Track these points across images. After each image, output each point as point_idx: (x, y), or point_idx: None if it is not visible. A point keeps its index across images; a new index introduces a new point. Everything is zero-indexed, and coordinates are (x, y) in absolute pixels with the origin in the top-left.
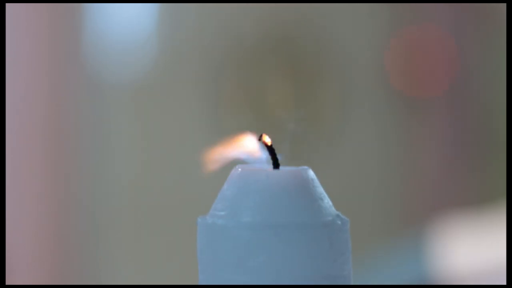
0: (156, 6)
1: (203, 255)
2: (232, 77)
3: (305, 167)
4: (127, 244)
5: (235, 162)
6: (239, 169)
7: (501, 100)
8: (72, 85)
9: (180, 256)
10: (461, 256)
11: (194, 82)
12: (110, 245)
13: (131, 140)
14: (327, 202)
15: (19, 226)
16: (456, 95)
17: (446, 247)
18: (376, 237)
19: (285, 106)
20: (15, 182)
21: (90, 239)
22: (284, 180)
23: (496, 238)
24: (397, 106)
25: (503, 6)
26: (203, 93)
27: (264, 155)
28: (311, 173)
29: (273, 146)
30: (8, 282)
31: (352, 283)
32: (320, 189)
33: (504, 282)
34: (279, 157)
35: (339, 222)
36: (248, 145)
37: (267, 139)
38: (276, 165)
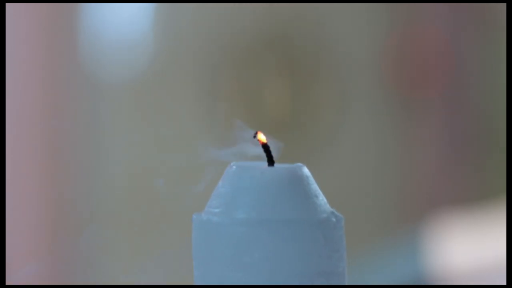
0: (152, 6)
1: (198, 252)
2: (229, 76)
3: (300, 164)
4: (123, 241)
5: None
6: (234, 167)
7: (499, 100)
8: (69, 85)
9: (175, 253)
10: (458, 254)
11: (191, 81)
12: (105, 242)
13: (128, 139)
14: (322, 199)
15: (19, 226)
16: (454, 95)
17: (443, 245)
18: (372, 235)
19: (282, 105)
20: (14, 182)
21: (87, 235)
22: (279, 177)
23: (493, 237)
24: (394, 105)
25: (503, 6)
26: (200, 92)
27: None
28: (306, 170)
29: (268, 144)
30: (8, 282)
31: (346, 280)
32: (315, 186)
33: (502, 280)
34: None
35: (334, 219)
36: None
37: (262, 137)
38: (271, 162)
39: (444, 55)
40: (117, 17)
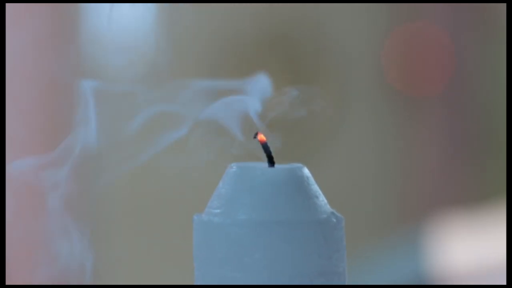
0: (154, 6)
1: (199, 253)
2: (230, 76)
3: (300, 164)
4: (124, 242)
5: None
6: (234, 167)
7: (499, 99)
8: (69, 84)
9: (176, 254)
10: (459, 254)
11: (191, 79)
12: (107, 243)
13: (126, 139)
14: (322, 200)
15: (19, 226)
16: (454, 94)
17: (444, 245)
18: (373, 235)
19: (283, 104)
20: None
21: (86, 237)
22: (279, 177)
23: (494, 236)
24: (395, 105)
25: (503, 6)
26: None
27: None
28: (306, 171)
29: (268, 144)
30: (8, 282)
31: (347, 280)
32: (315, 187)
33: (502, 280)
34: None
35: (334, 220)
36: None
37: (262, 137)
38: (271, 162)
39: (444, 55)
40: (118, 17)
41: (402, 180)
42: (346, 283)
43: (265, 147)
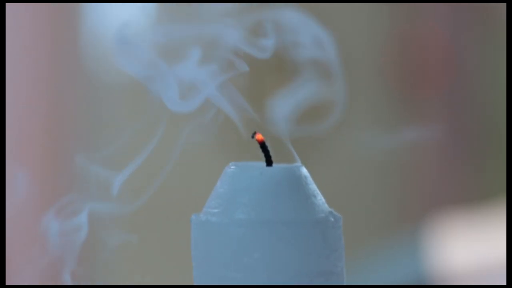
0: (153, 6)
1: (197, 252)
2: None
3: (298, 164)
4: (122, 242)
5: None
6: (232, 167)
7: (500, 99)
8: (70, 85)
9: (174, 253)
10: (459, 254)
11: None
12: (105, 243)
13: (128, 139)
14: (320, 199)
15: (19, 226)
16: (455, 94)
17: (443, 245)
18: (371, 235)
19: (282, 104)
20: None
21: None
22: (277, 177)
23: (493, 236)
24: (394, 105)
25: (503, 6)
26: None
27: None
28: (304, 170)
29: (266, 144)
30: (8, 282)
31: (345, 280)
32: (313, 186)
33: (501, 280)
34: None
35: (332, 219)
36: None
37: (260, 137)
38: (269, 162)
39: (445, 55)
40: (118, 18)
41: (402, 179)
42: (345, 283)
43: (263, 146)
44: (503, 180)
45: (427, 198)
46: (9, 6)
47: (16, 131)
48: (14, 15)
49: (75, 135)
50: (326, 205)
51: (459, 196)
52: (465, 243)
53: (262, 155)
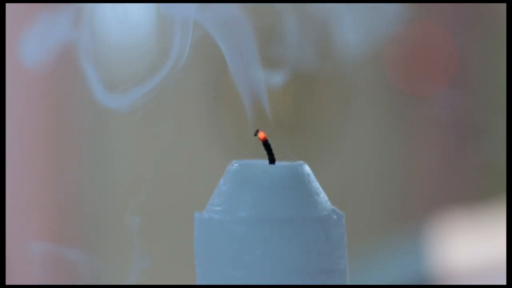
0: (155, 6)
1: (200, 250)
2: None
3: (301, 162)
4: (124, 240)
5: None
6: (235, 165)
7: (501, 98)
8: (70, 86)
9: (177, 251)
10: (460, 253)
11: (194, 79)
12: (108, 241)
13: (130, 138)
14: (323, 197)
15: (19, 226)
16: (456, 93)
17: (445, 244)
18: (373, 233)
19: (285, 103)
20: (15, 184)
21: (89, 236)
22: (280, 175)
23: (494, 235)
24: (396, 104)
25: (503, 6)
26: (203, 93)
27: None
28: (307, 168)
29: (269, 142)
30: (8, 282)
31: (347, 277)
32: (316, 184)
33: (502, 278)
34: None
35: (335, 217)
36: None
37: (262, 135)
38: (271, 160)
39: (446, 54)
40: (119, 18)
41: (404, 178)
42: (347, 281)
43: (265, 144)
44: (504, 179)
45: (429, 196)
46: (7, 6)
47: (14, 132)
48: (13, 15)
49: (76, 136)
50: (328, 202)
51: (460, 195)
52: (467, 242)
53: (265, 153)
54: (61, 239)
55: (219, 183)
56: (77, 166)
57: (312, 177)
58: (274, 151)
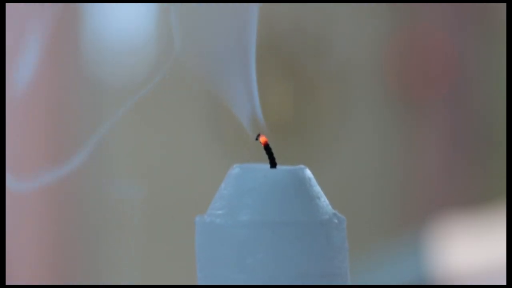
0: (155, 6)
1: (201, 254)
2: (233, 77)
3: (302, 166)
4: (126, 243)
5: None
6: (237, 168)
7: (501, 101)
8: (71, 86)
9: (179, 255)
10: (460, 256)
11: (194, 82)
12: (110, 244)
13: (130, 141)
14: (324, 201)
15: (19, 226)
16: (456, 96)
17: (445, 247)
18: (375, 237)
19: (284, 107)
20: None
21: (90, 238)
22: (281, 179)
23: (495, 238)
24: (396, 107)
25: (503, 6)
26: (203, 93)
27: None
28: (308, 172)
29: (270, 146)
30: (8, 282)
31: (349, 282)
32: (317, 188)
33: (503, 282)
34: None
35: (336, 221)
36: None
37: (264, 139)
38: (273, 164)
39: (446, 56)
40: (120, 18)
41: (404, 181)
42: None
43: (267, 148)
44: (504, 181)
45: (429, 200)
46: (10, 6)
47: (15, 131)
48: (13, 15)
49: (75, 136)
50: (330, 206)
51: (461, 198)
52: (468, 245)
53: (266, 157)
54: (60, 245)
55: (220, 187)
56: (76, 171)
57: (314, 181)
58: (275, 155)
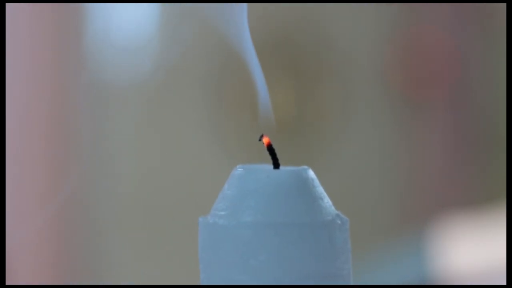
0: (158, 6)
1: (204, 255)
2: (234, 77)
3: (305, 167)
4: (128, 244)
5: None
6: (240, 169)
7: (502, 101)
8: (74, 86)
9: (182, 256)
10: (461, 256)
11: (196, 82)
12: (112, 245)
13: (133, 141)
14: (327, 201)
15: (20, 226)
16: (457, 96)
17: (446, 247)
18: (377, 237)
19: (287, 107)
20: (16, 182)
21: (91, 239)
22: (284, 180)
23: (496, 238)
24: (398, 107)
25: (503, 6)
26: (205, 94)
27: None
28: (311, 173)
29: (273, 146)
30: (8, 282)
31: (352, 282)
32: (320, 189)
33: (503, 282)
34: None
35: (339, 222)
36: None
37: (267, 140)
38: (276, 165)
39: (448, 56)
40: (123, 18)
41: (406, 182)
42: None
43: (270, 149)
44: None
45: (431, 200)
46: (9, 6)
47: (17, 131)
48: (15, 15)
49: (78, 136)
50: (333, 207)
51: (463, 199)
52: (469, 246)
53: (269, 157)
54: (61, 244)
55: (223, 188)
56: (78, 171)
57: (317, 182)
58: (278, 156)
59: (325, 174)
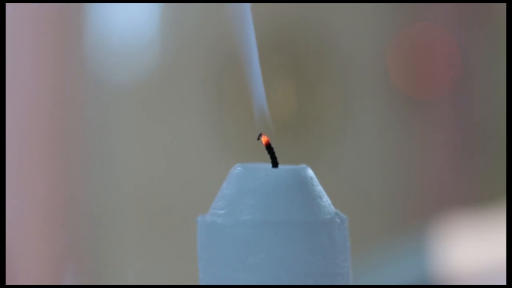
0: (159, 6)
1: (203, 253)
2: (235, 77)
3: (304, 165)
4: (127, 243)
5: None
6: (238, 168)
7: (503, 100)
8: (75, 86)
9: (180, 255)
10: (462, 255)
11: (197, 82)
12: (111, 245)
13: (133, 140)
14: (326, 200)
15: (20, 226)
16: (458, 95)
17: (447, 246)
18: (377, 236)
19: (287, 106)
20: (16, 182)
21: (91, 237)
22: (283, 178)
23: (497, 237)
24: (399, 106)
25: (503, 6)
26: (205, 93)
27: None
28: (310, 171)
29: (272, 145)
30: (8, 282)
31: (351, 281)
32: (319, 188)
33: (503, 282)
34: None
35: (338, 220)
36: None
37: (265, 138)
38: (274, 163)
39: (450, 55)
40: (123, 18)
41: (407, 180)
42: (351, 284)
43: (268, 148)
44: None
45: (432, 199)
46: (10, 6)
47: (17, 131)
48: (16, 15)
49: (79, 136)
50: (332, 206)
51: (464, 197)
52: (471, 244)
53: (268, 156)
54: (61, 244)
55: (222, 187)
56: (79, 170)
57: (315, 180)
58: (278, 155)
59: (324, 173)
